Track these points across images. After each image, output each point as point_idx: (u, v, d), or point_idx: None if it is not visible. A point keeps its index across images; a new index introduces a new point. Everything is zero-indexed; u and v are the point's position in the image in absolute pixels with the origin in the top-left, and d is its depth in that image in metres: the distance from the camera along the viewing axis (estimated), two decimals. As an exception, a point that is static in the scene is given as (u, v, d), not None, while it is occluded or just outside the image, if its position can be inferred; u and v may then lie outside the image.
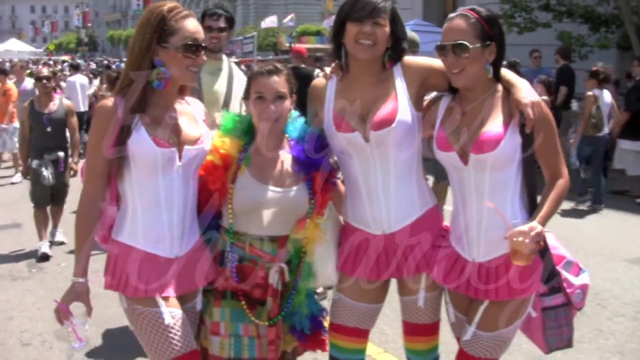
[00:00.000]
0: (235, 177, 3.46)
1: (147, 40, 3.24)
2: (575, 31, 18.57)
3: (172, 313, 3.28)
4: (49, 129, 8.91)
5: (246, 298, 3.50)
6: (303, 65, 11.58)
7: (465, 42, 3.24)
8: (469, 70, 3.28)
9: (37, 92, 14.13)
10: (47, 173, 8.74)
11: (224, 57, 5.86)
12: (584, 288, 3.53)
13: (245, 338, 3.47)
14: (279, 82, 3.48)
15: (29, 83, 15.69)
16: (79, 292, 3.30)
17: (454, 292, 3.54)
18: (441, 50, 3.33)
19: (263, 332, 3.49)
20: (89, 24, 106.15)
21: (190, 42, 3.23)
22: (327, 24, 34.03)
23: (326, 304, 3.88)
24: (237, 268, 3.49)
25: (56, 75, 16.83)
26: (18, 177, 13.66)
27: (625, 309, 6.83)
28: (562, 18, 18.78)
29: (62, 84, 19.28)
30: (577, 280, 3.51)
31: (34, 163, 8.86)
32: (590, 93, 11.64)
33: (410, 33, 7.59)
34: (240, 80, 5.35)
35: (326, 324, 3.75)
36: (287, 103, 3.50)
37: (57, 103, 9.10)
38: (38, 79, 9.13)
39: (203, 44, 3.28)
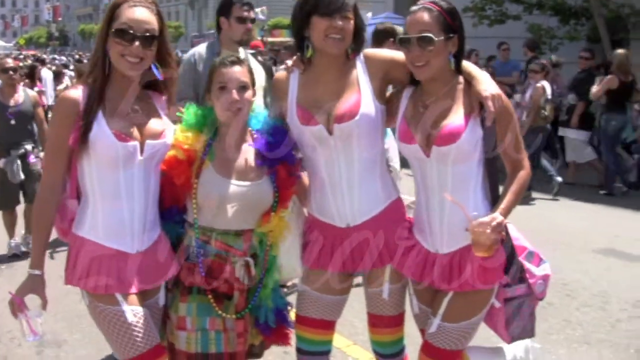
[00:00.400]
0: (200, 172, 3.44)
1: (102, 27, 3.25)
2: (545, 23, 18.73)
3: (134, 311, 3.27)
4: (12, 122, 8.49)
5: (213, 292, 3.48)
6: (260, 58, 11.73)
7: (431, 35, 3.25)
8: (433, 63, 3.29)
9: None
10: (16, 169, 8.40)
11: (241, 49, 5.78)
12: (545, 278, 3.55)
13: (212, 332, 3.46)
14: (242, 72, 3.48)
15: None
16: (34, 285, 3.27)
17: (418, 283, 3.56)
18: (405, 43, 3.32)
19: (230, 326, 3.49)
20: (60, 18, 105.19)
21: (120, 28, 3.18)
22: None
23: (293, 298, 3.88)
24: (203, 263, 3.48)
25: (36, 69, 16.66)
26: None
27: (593, 299, 6.88)
28: (532, 10, 18.92)
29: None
30: (538, 271, 3.53)
31: (1, 162, 8.46)
32: (539, 85, 11.75)
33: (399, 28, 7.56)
34: (257, 71, 5.21)
35: (291, 317, 3.76)
36: (250, 93, 3.50)
37: (23, 95, 8.66)
38: (4, 70, 8.60)
39: (139, 34, 3.19)
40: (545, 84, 11.80)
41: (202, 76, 5.53)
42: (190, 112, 3.55)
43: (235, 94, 3.42)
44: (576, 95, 13.01)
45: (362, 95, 3.47)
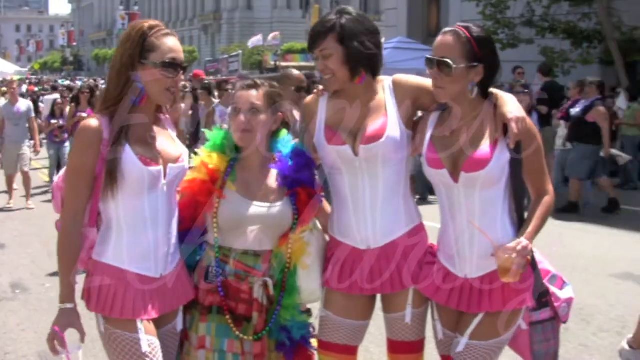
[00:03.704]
0: (221, 192, 3.47)
1: (127, 55, 3.22)
2: (558, 47, 18.74)
3: (149, 341, 3.23)
4: None
5: (231, 314, 3.48)
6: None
7: (449, 61, 3.23)
8: (449, 89, 3.29)
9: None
10: None
11: None
12: (569, 302, 3.54)
13: (229, 354, 3.45)
14: (255, 96, 3.52)
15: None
16: (70, 319, 3.22)
17: (444, 307, 3.53)
18: (429, 63, 3.32)
19: (248, 349, 3.48)
20: (74, 43, 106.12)
21: (168, 60, 3.20)
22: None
23: (313, 321, 3.85)
24: (222, 283, 3.48)
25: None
26: None
27: (610, 324, 6.82)
28: (545, 34, 18.96)
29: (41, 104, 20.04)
30: (562, 294, 3.52)
31: None
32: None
33: None
34: None
35: (312, 340, 3.73)
36: (262, 117, 3.52)
37: None
38: None
39: (183, 65, 3.26)
40: None
41: None
42: (214, 134, 3.62)
43: (242, 116, 3.47)
44: None
45: (388, 118, 3.48)
